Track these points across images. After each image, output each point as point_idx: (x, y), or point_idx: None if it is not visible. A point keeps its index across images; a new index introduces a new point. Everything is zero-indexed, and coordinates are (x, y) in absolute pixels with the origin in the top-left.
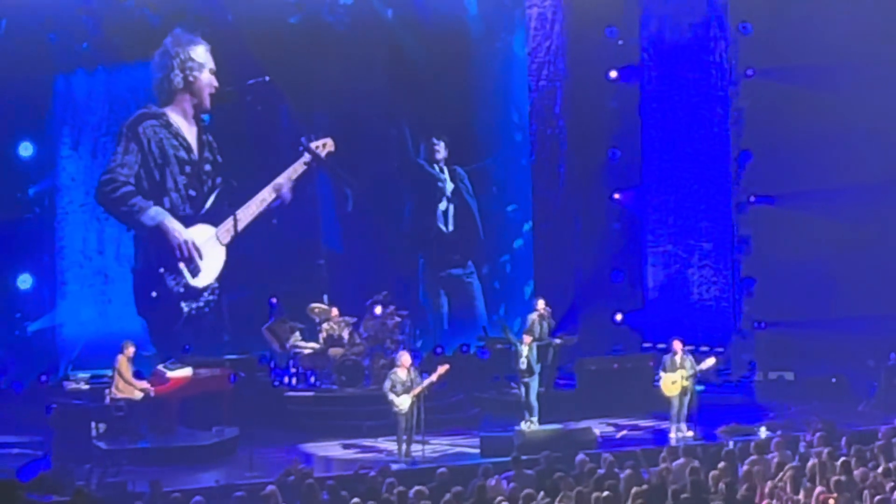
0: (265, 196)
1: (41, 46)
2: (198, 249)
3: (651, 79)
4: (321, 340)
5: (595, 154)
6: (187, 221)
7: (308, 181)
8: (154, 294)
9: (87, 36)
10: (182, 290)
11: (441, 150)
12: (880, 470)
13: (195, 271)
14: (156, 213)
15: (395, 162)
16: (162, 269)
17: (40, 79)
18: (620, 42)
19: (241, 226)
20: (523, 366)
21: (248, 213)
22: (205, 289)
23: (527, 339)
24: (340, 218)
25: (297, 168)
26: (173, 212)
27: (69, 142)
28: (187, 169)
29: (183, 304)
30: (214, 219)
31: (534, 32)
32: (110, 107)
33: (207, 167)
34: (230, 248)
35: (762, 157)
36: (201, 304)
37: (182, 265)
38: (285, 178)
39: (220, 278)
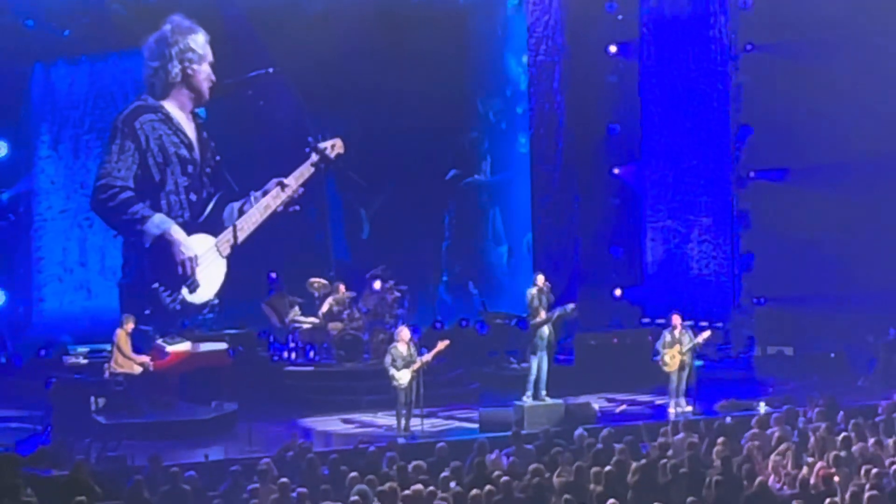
0: (269, 203)
1: (17, 33)
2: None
3: (650, 54)
4: (321, 315)
5: (594, 129)
6: (185, 229)
7: (318, 188)
8: (147, 312)
9: (69, 22)
10: (178, 307)
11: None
12: (872, 441)
13: (194, 286)
14: (161, 222)
15: (420, 164)
16: (156, 284)
17: (16, 70)
18: (620, 17)
19: (241, 236)
20: (543, 341)
21: (249, 222)
22: (203, 305)
23: (542, 314)
24: (352, 232)
25: (304, 172)
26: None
27: (48, 140)
28: (189, 169)
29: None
30: (213, 226)
31: (532, 7)
32: (95, 101)
33: (208, 169)
34: (231, 260)
35: (762, 131)
36: (199, 322)
37: (180, 280)
38: (292, 180)
39: (220, 294)
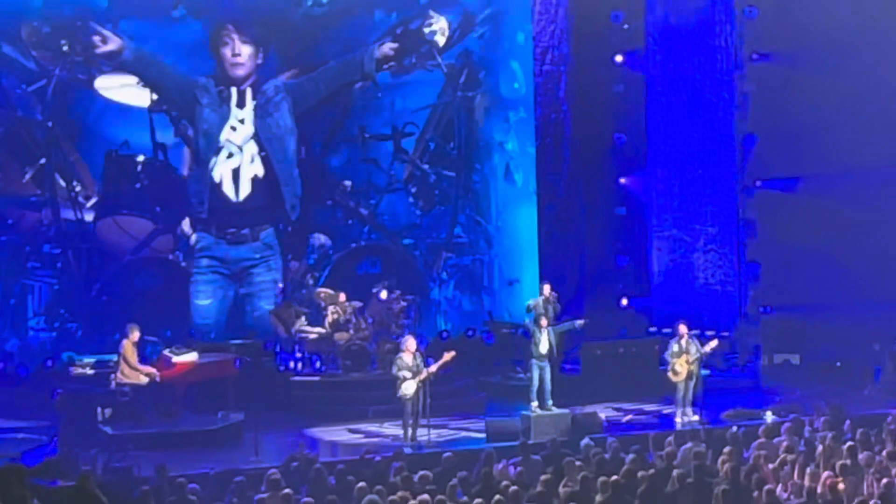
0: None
1: None
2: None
3: (656, 63)
4: (327, 325)
5: (600, 138)
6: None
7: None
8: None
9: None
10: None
11: None
12: (884, 453)
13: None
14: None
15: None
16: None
17: None
18: (626, 26)
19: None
20: (544, 350)
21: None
22: None
23: (543, 322)
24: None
25: None
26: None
27: None
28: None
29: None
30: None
31: (538, 17)
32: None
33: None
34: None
35: (768, 141)
36: None
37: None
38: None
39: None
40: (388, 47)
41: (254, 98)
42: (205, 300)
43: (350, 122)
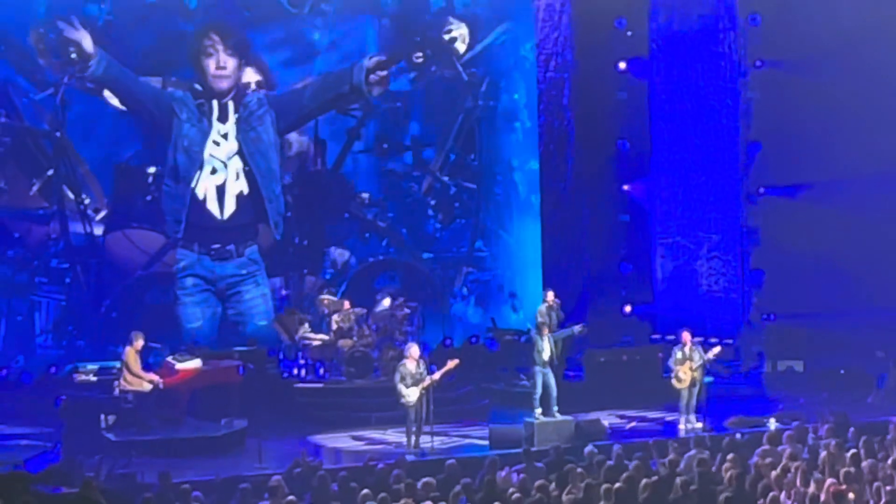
0: None
1: None
2: None
3: (660, 70)
4: (331, 332)
5: (604, 145)
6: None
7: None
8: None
9: None
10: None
11: None
12: (889, 461)
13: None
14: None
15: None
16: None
17: None
18: (629, 33)
19: None
20: (546, 356)
21: None
22: None
23: (545, 329)
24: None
25: None
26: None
27: None
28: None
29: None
30: None
31: (542, 24)
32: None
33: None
34: None
35: (771, 148)
36: None
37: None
38: None
39: None
40: (377, 59)
41: (236, 111)
42: (195, 322)
43: (368, 132)
